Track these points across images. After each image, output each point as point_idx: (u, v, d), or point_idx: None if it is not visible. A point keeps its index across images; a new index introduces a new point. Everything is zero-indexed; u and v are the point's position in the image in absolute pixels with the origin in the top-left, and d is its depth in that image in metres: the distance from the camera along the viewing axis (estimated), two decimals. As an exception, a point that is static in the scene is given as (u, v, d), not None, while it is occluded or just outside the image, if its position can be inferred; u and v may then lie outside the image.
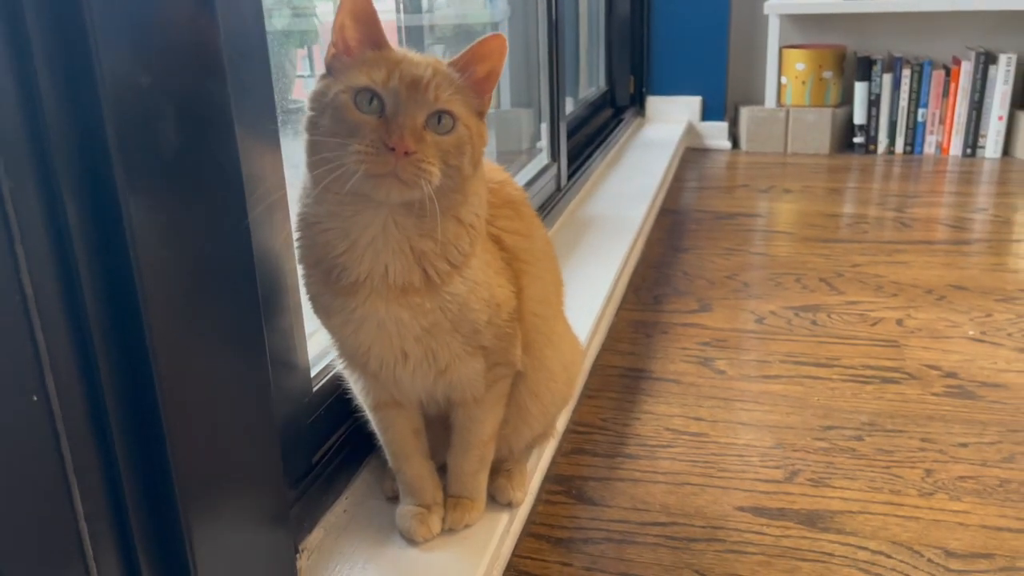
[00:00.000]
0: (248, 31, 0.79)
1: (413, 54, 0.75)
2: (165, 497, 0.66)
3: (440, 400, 0.91)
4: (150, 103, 0.60)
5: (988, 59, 2.94)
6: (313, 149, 0.74)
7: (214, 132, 0.66)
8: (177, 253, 0.64)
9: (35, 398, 0.56)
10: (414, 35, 2.25)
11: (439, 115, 0.72)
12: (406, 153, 0.69)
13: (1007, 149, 3.01)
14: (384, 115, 0.71)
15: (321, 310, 0.82)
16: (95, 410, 0.60)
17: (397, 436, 0.91)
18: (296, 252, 0.82)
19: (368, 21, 0.74)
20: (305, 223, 0.79)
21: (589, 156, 2.46)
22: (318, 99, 0.74)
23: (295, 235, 0.81)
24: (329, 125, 0.72)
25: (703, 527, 1.09)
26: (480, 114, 0.77)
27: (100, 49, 0.55)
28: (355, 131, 0.71)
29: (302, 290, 0.88)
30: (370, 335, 0.80)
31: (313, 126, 0.74)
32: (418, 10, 2.24)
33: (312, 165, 0.74)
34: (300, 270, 0.83)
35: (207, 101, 0.65)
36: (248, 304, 0.73)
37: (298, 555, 0.88)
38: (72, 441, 0.58)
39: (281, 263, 0.89)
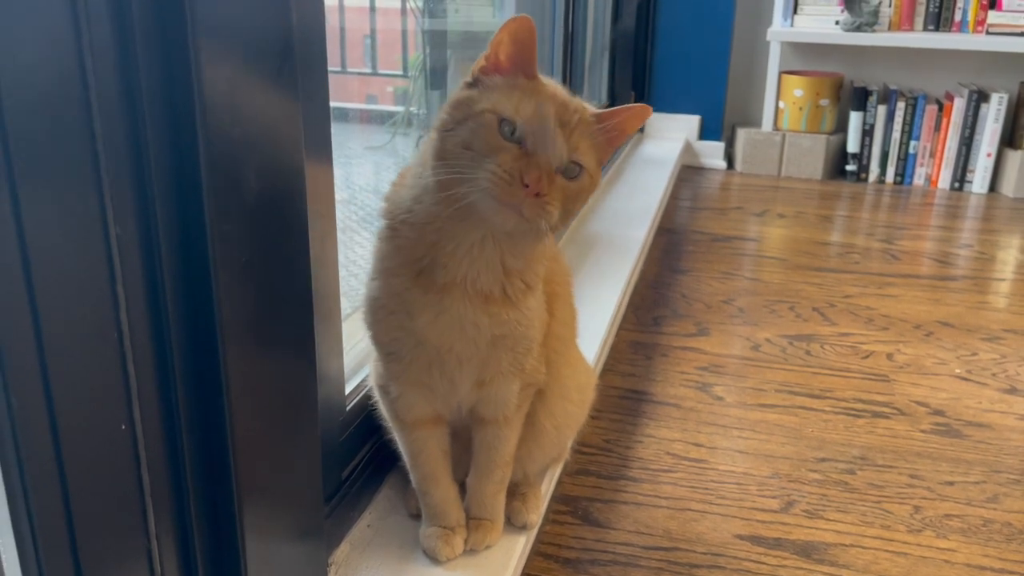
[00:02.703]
0: (314, 73, 0.84)
1: (561, 92, 0.78)
2: (226, 518, 0.70)
3: (466, 415, 0.95)
4: (238, 152, 0.63)
5: (980, 97, 3.02)
6: (444, 154, 0.76)
7: (287, 177, 0.70)
8: (251, 290, 0.68)
9: (123, 427, 0.60)
10: (437, 38, 2.29)
11: (572, 163, 0.76)
12: (537, 194, 0.73)
13: (993, 185, 3.10)
14: (524, 148, 0.74)
15: (401, 310, 0.84)
16: (171, 439, 0.64)
17: (430, 457, 0.95)
18: (384, 250, 0.84)
19: (525, 46, 0.76)
20: (413, 223, 0.82)
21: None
22: (462, 107, 0.77)
23: (390, 233, 0.84)
24: (467, 137, 0.75)
25: (704, 554, 1.14)
26: (600, 163, 0.81)
27: (206, 106, 0.58)
28: (493, 152, 0.74)
29: (343, 311, 0.92)
30: (452, 333, 0.84)
31: (448, 132, 0.76)
32: (442, 15, 2.28)
33: (440, 169, 0.76)
34: (381, 270, 0.85)
35: (283, 149, 0.69)
36: (305, 333, 0.77)
37: (327, 569, 0.93)
38: (151, 467, 0.62)
39: (326, 282, 0.92)
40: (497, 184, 0.73)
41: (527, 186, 0.72)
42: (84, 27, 0.51)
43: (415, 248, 0.82)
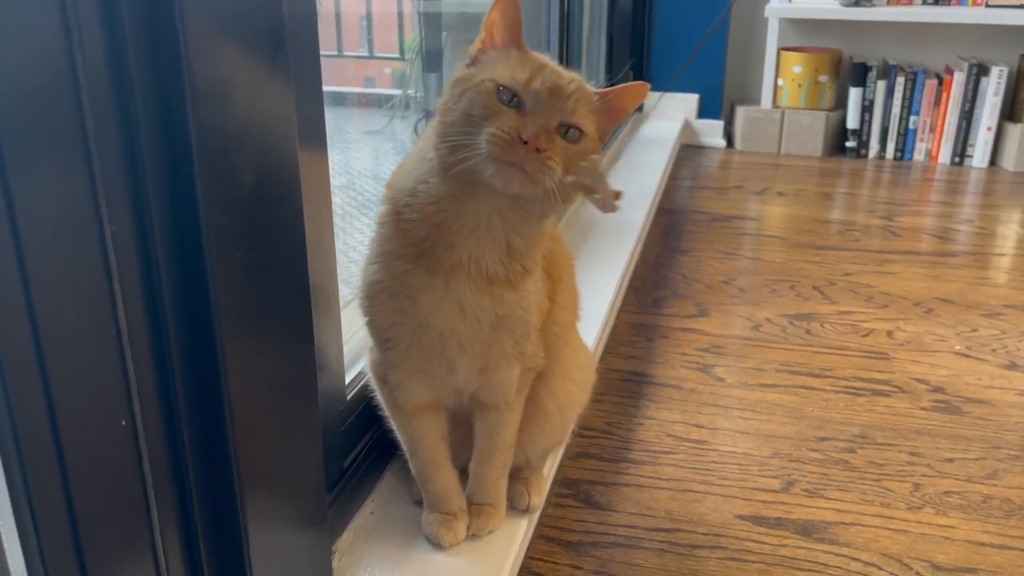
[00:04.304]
0: (306, 58, 0.83)
1: (557, 65, 0.80)
2: (228, 508, 0.70)
3: (466, 400, 0.96)
4: (232, 145, 0.63)
5: (980, 70, 3.01)
6: (446, 127, 0.78)
7: (281, 168, 0.70)
8: (247, 282, 0.68)
9: (123, 423, 0.60)
10: (433, 20, 2.28)
11: (569, 127, 0.77)
12: (537, 149, 0.74)
13: (994, 159, 3.09)
14: (523, 111, 0.76)
15: (402, 292, 0.84)
16: (172, 432, 0.65)
17: (430, 445, 0.96)
18: (386, 234, 0.85)
19: (514, 24, 0.79)
20: (417, 205, 0.82)
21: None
22: (461, 83, 0.79)
23: (393, 217, 0.84)
24: (466, 108, 0.77)
25: (705, 534, 1.15)
26: (601, 138, 0.82)
27: (197, 99, 0.58)
28: (492, 117, 0.75)
29: (343, 298, 0.92)
30: (455, 315, 0.84)
31: (449, 108, 0.78)
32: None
33: (441, 143, 0.78)
34: (381, 253, 0.85)
35: (277, 140, 0.69)
36: (303, 323, 0.77)
37: (331, 556, 0.93)
38: (152, 462, 0.63)
39: (324, 270, 0.93)
40: (497, 144, 0.74)
41: (526, 143, 0.73)
42: (73, 20, 0.51)
43: (418, 229, 0.83)
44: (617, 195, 0.81)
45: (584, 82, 0.81)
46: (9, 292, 0.50)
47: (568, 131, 0.77)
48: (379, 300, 0.86)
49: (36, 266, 0.51)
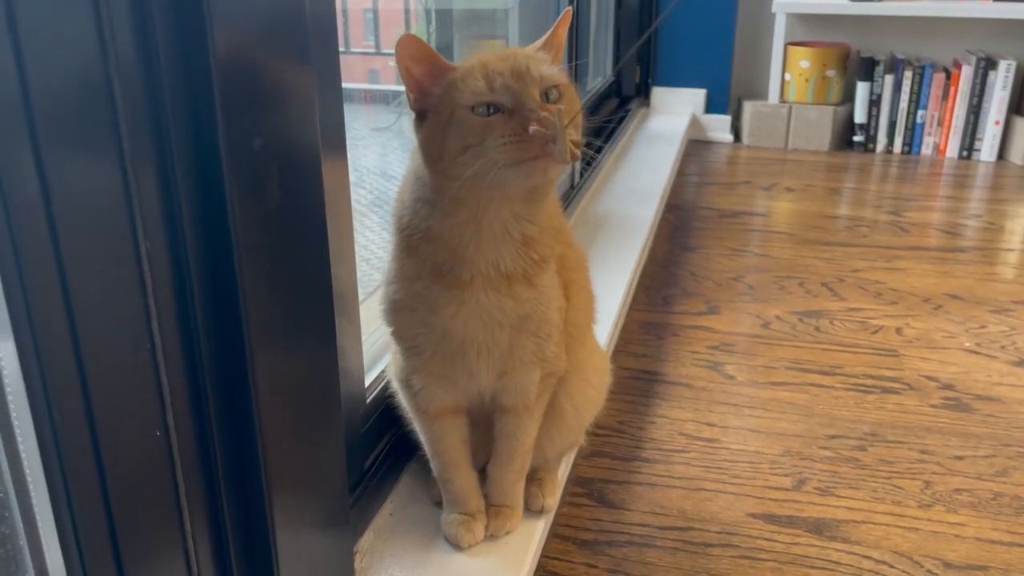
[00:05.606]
0: (326, 64, 0.85)
1: (490, 53, 0.81)
2: (257, 512, 0.72)
3: (488, 403, 0.98)
4: (260, 163, 0.65)
5: (988, 64, 3.00)
6: (451, 174, 0.78)
7: (306, 182, 0.72)
8: (275, 295, 0.69)
9: (158, 433, 0.62)
10: (443, 17, 2.30)
11: (548, 90, 0.78)
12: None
13: (1002, 153, 3.09)
14: (505, 112, 0.76)
15: (423, 307, 0.87)
16: (203, 442, 0.66)
17: (450, 446, 0.97)
18: (402, 260, 0.87)
19: (425, 56, 0.79)
20: (427, 236, 0.84)
21: (598, 149, 2.51)
22: (434, 135, 0.78)
23: (406, 253, 0.86)
24: (458, 143, 0.77)
25: (718, 533, 1.17)
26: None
27: (227, 118, 0.60)
28: (488, 132, 0.75)
29: (361, 302, 0.94)
30: (476, 323, 0.86)
31: (439, 159, 0.79)
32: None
33: (451, 181, 0.79)
34: (400, 277, 0.87)
35: (303, 154, 0.71)
36: (327, 332, 0.79)
37: (354, 557, 0.95)
38: (185, 470, 0.65)
39: (345, 279, 0.94)
40: (513, 148, 0.74)
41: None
42: (109, 43, 0.53)
43: (433, 255, 0.85)
44: (577, 144, 0.80)
45: (518, 48, 0.82)
46: (52, 308, 0.51)
47: (549, 94, 0.78)
48: (402, 316, 0.89)
49: (76, 284, 0.52)
